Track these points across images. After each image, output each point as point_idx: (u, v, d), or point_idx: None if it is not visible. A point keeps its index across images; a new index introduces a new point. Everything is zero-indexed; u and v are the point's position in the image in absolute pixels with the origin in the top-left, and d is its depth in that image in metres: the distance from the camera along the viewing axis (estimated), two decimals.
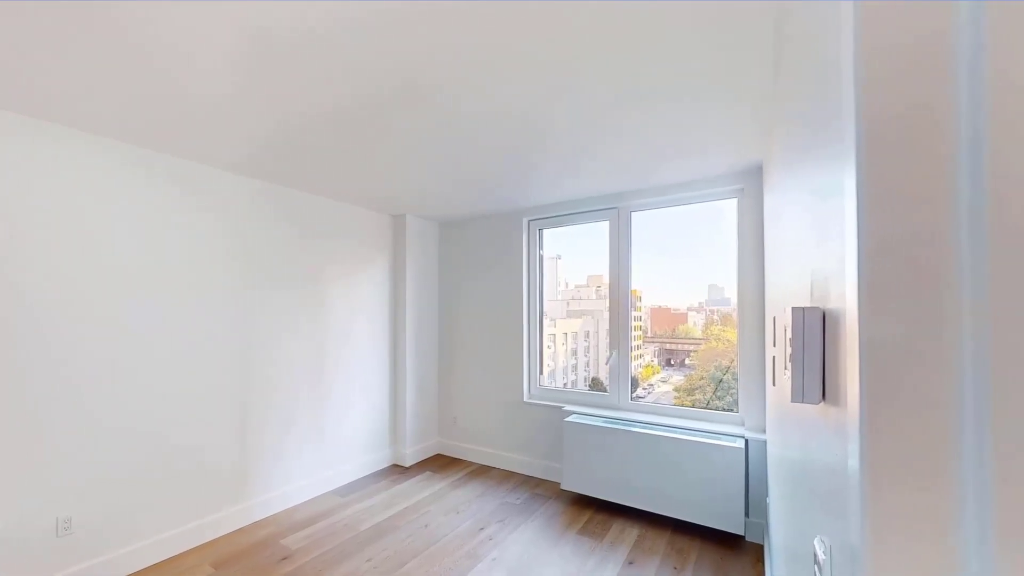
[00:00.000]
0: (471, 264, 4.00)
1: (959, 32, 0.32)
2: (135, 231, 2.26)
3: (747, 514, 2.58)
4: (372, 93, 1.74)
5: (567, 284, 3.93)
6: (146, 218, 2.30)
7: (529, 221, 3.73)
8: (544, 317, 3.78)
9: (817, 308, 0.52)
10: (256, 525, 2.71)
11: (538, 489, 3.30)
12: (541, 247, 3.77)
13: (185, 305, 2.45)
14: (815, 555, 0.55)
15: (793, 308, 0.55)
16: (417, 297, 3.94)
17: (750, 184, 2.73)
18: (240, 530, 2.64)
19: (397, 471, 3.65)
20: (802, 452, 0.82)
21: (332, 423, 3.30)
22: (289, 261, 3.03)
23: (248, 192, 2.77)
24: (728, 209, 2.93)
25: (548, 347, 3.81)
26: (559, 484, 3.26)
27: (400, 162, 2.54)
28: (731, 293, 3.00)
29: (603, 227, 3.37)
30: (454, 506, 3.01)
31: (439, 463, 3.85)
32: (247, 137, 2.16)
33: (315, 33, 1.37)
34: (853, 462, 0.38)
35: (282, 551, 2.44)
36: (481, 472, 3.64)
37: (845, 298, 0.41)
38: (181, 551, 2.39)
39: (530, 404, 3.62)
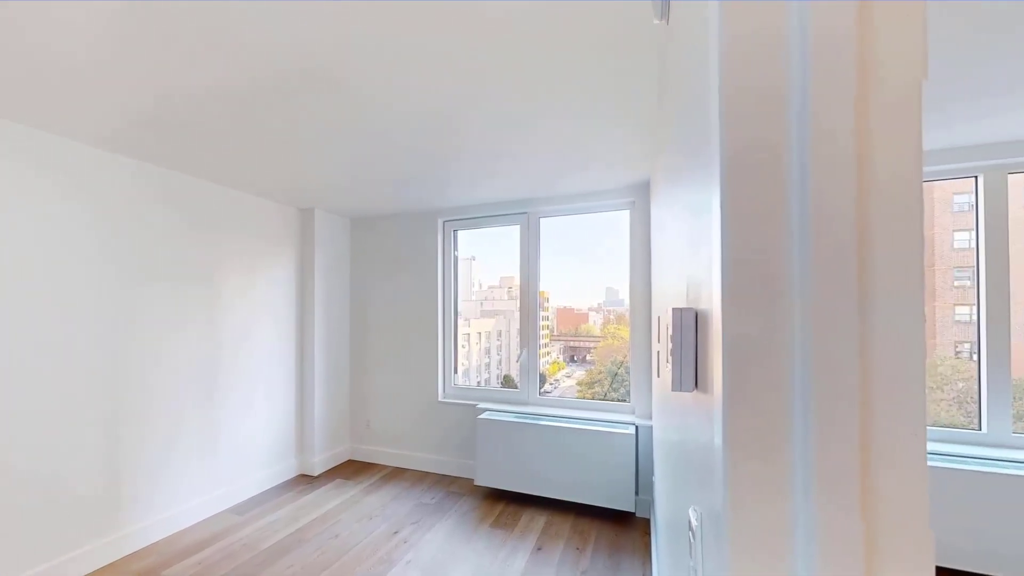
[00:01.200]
0: (385, 263, 3.87)
1: (791, 83, 0.40)
2: None
3: (637, 492, 2.82)
4: (273, 77, 1.62)
5: (481, 285, 3.98)
6: None
7: (444, 222, 3.70)
8: (459, 317, 3.78)
9: (691, 309, 0.59)
10: (132, 557, 2.38)
11: (453, 487, 3.30)
12: (456, 248, 3.77)
13: (37, 306, 2.07)
14: (690, 523, 0.61)
15: (673, 308, 0.61)
16: (327, 296, 3.72)
17: (640, 198, 3.01)
18: (110, 566, 2.30)
19: (305, 481, 3.43)
20: (680, 434, 0.91)
21: (228, 434, 3.01)
22: (177, 255, 2.69)
23: (122, 173, 2.41)
24: (622, 219, 3.19)
25: (463, 346, 3.82)
26: (473, 480, 3.29)
27: (308, 153, 2.38)
28: (625, 295, 3.29)
29: (515, 230, 3.46)
30: (367, 512, 2.91)
31: (351, 469, 3.68)
32: (119, 109, 1.87)
33: (203, 1, 1.24)
34: (717, 440, 0.43)
35: None
36: (395, 475, 3.55)
37: (712, 300, 0.47)
38: None
39: (445, 403, 3.61)
